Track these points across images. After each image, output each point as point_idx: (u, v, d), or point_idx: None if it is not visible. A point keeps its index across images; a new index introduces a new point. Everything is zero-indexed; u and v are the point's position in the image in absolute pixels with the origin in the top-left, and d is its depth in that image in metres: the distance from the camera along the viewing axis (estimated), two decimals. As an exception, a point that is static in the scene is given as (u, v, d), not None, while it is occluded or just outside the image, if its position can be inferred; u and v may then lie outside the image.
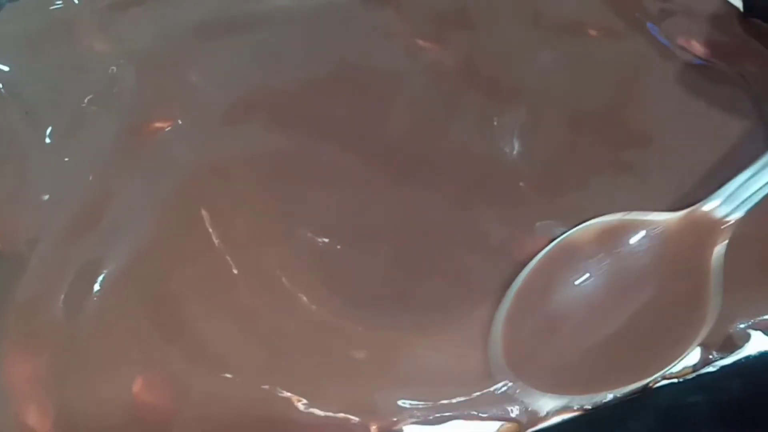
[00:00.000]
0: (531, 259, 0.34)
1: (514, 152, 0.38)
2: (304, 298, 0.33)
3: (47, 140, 0.40)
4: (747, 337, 0.31)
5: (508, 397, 0.30)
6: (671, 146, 0.38)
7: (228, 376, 0.31)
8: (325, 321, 0.32)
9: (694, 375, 0.30)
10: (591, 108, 0.39)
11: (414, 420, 0.30)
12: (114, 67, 0.43)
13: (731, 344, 0.31)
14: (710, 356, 0.31)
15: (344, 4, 0.46)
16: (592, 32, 0.44)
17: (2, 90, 0.42)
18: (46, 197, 0.37)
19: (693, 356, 0.31)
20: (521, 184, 0.37)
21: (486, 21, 0.45)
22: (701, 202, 0.33)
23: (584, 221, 0.35)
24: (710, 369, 0.31)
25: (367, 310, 0.33)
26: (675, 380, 0.30)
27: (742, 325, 0.31)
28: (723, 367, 0.31)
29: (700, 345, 0.31)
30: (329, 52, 0.43)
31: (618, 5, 0.45)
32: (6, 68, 0.44)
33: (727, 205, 0.32)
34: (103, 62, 0.43)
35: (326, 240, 0.35)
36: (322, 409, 0.30)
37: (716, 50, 0.43)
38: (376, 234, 0.35)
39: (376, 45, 0.44)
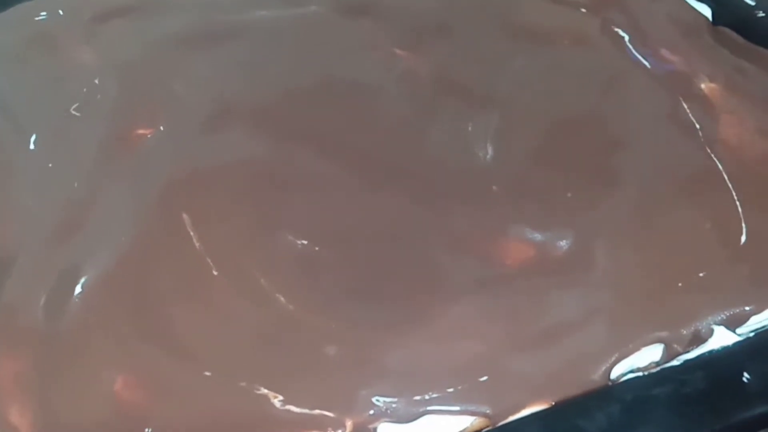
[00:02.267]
0: (502, 260, 0.35)
1: (488, 157, 0.39)
2: (282, 299, 0.34)
3: (31, 147, 0.40)
4: (711, 332, 0.32)
5: (479, 393, 0.31)
6: (643, 152, 0.39)
7: (207, 374, 0.31)
8: (302, 320, 0.33)
9: (658, 369, 0.31)
10: (564, 115, 0.41)
11: (388, 419, 0.30)
12: (97, 77, 0.43)
13: (697, 339, 0.32)
14: (672, 352, 0.32)
15: (323, 15, 0.47)
16: (565, 41, 0.45)
17: (-12, 97, 0.43)
18: (30, 202, 0.38)
19: (656, 352, 0.32)
20: (494, 187, 0.38)
21: (461, 30, 0.46)
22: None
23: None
24: (674, 363, 0.31)
25: (342, 309, 0.33)
26: (640, 374, 0.31)
27: (708, 321, 0.32)
28: (686, 361, 0.31)
29: (663, 342, 0.32)
30: (308, 61, 0.44)
31: (590, 15, 0.46)
32: (-9, 77, 0.45)
33: None
34: (86, 72, 0.44)
35: (304, 242, 0.36)
36: (298, 406, 0.30)
37: (686, 59, 0.44)
38: (352, 236, 0.36)
39: (353, 54, 0.45)
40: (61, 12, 0.48)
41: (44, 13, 0.48)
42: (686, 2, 0.48)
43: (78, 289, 0.34)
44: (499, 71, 0.43)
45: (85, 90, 0.43)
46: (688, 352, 0.32)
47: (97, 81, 0.43)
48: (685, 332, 0.32)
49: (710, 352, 0.32)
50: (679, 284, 0.33)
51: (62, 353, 0.33)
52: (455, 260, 0.35)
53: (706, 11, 0.48)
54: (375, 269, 0.35)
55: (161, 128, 0.41)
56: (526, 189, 0.38)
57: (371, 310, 0.34)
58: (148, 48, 0.45)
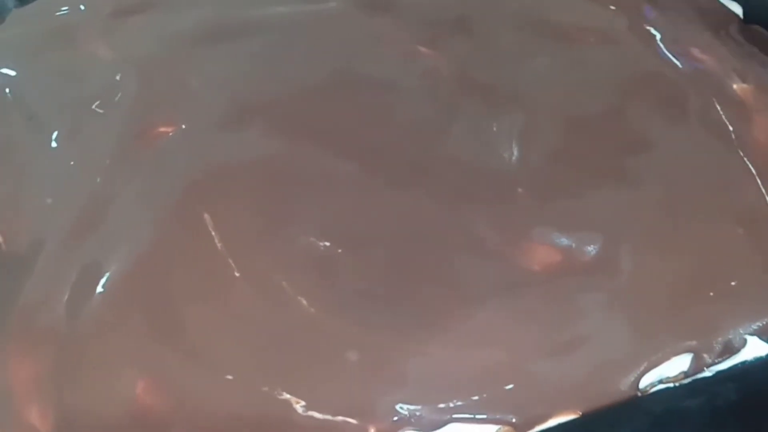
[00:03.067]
0: (527, 264, 0.34)
1: (513, 158, 0.38)
2: (304, 301, 0.33)
3: (52, 144, 0.40)
4: (744, 343, 0.31)
5: (504, 401, 0.30)
6: (669, 153, 0.38)
7: (228, 377, 0.31)
8: (323, 323, 0.33)
9: (689, 380, 0.30)
10: (589, 114, 0.40)
11: (411, 427, 0.30)
12: (117, 74, 0.43)
13: (730, 349, 0.31)
14: (702, 362, 0.31)
15: (342, 11, 0.47)
16: (591, 39, 0.44)
17: (9, 94, 0.43)
18: (50, 200, 0.38)
19: (686, 362, 0.31)
20: (519, 190, 0.37)
21: (483, 27, 0.45)
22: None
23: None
24: (705, 374, 0.31)
25: (364, 313, 0.33)
26: (670, 385, 0.31)
27: (740, 331, 0.32)
28: (718, 372, 0.31)
29: (693, 351, 0.31)
30: (327, 58, 0.44)
31: (617, 12, 0.45)
32: (12, 73, 0.44)
33: None
34: (106, 68, 0.44)
35: (326, 244, 0.35)
36: (320, 412, 0.30)
37: (716, 57, 0.43)
38: (374, 238, 0.36)
39: (373, 51, 0.44)
40: (82, 7, 0.48)
41: (65, 8, 0.48)
42: (717, 0, 0.47)
43: (98, 289, 0.34)
44: (523, 70, 0.42)
45: (105, 87, 0.43)
46: (719, 362, 0.31)
47: (117, 78, 0.43)
48: (716, 342, 0.32)
49: (743, 363, 0.31)
50: (711, 293, 0.33)
51: (82, 354, 0.33)
52: (479, 264, 0.35)
53: (737, 9, 0.47)
54: (397, 272, 0.34)
55: (183, 126, 0.40)
56: (552, 191, 0.37)
57: (393, 314, 0.33)
58: (166, 44, 0.45)
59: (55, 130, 0.41)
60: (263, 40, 0.45)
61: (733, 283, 0.33)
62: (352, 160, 0.38)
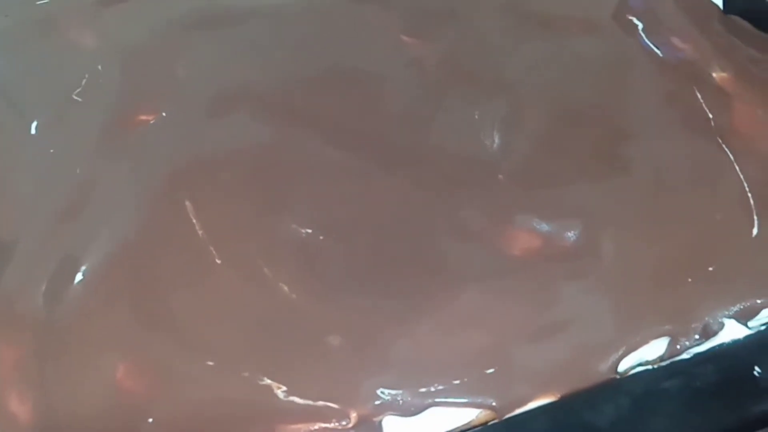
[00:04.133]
0: (509, 249, 0.35)
1: (494, 146, 0.39)
2: (285, 288, 0.33)
3: (33, 132, 0.40)
4: (721, 326, 0.32)
5: (485, 385, 0.30)
6: (653, 142, 0.38)
7: (209, 363, 0.31)
8: (305, 309, 0.33)
9: (668, 362, 0.31)
10: (573, 103, 0.40)
11: (393, 411, 0.30)
12: (100, 62, 0.43)
13: (707, 332, 0.32)
14: (680, 345, 0.32)
15: (330, 1, 0.47)
16: (575, 28, 0.44)
17: (-12, 80, 0.43)
18: (32, 188, 0.38)
19: (665, 345, 0.32)
20: (500, 176, 0.37)
21: (469, 17, 0.45)
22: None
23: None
24: (684, 356, 0.31)
25: (346, 299, 0.33)
26: (649, 367, 0.31)
27: (717, 315, 0.32)
28: (697, 354, 0.31)
29: (671, 335, 0.31)
30: (315, 46, 0.44)
31: (602, 2, 0.45)
32: (-9, 60, 0.44)
33: None
34: (89, 56, 0.43)
35: (308, 230, 0.35)
36: (302, 397, 0.30)
37: (696, 47, 0.43)
38: (356, 225, 0.36)
39: (360, 40, 0.44)
40: (66, -5, 0.48)
41: (48, -4, 0.48)
42: (697, -10, 0.47)
43: (79, 275, 0.34)
44: (507, 58, 0.43)
45: (87, 75, 0.42)
46: (698, 345, 0.31)
47: (99, 66, 0.43)
48: (694, 325, 0.32)
49: (721, 345, 0.31)
50: (689, 279, 0.33)
51: (63, 340, 0.32)
52: (461, 249, 0.35)
53: (717, 0, 0.47)
54: (380, 258, 0.35)
55: (164, 114, 0.40)
56: (534, 178, 0.37)
57: (375, 299, 0.33)
58: (151, 32, 0.45)
59: (36, 119, 0.41)
60: (250, 28, 0.45)
61: (710, 269, 0.33)
62: (337, 148, 0.38)
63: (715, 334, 0.31)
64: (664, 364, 0.30)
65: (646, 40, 0.43)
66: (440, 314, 0.32)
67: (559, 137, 0.39)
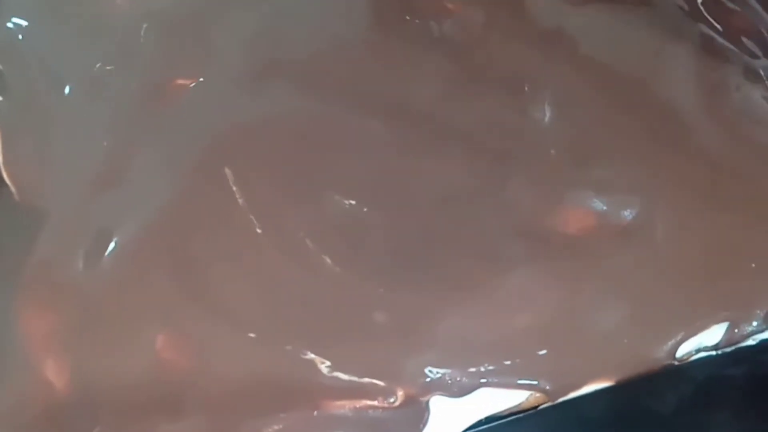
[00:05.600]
0: (561, 228, 0.33)
1: (545, 120, 0.37)
2: (328, 260, 0.32)
3: (70, 97, 0.39)
4: (787, 312, 0.30)
5: (536, 366, 0.29)
6: (714, 119, 0.36)
7: (251, 335, 0.30)
8: (349, 283, 0.32)
9: (732, 348, 0.29)
10: (629, 76, 0.38)
11: (441, 391, 0.29)
12: (136, 25, 0.42)
13: (770, 319, 0.30)
14: (742, 332, 0.30)
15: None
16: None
17: (22, 43, 0.41)
18: (69, 153, 0.37)
19: (726, 331, 0.30)
20: (552, 152, 0.36)
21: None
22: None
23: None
24: (749, 342, 0.30)
25: (391, 275, 0.32)
26: (711, 353, 0.30)
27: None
28: (762, 341, 0.30)
29: (732, 321, 0.30)
30: (357, 14, 0.42)
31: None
32: (25, 23, 0.43)
33: None
34: (124, 20, 0.42)
35: (352, 202, 0.34)
36: (346, 373, 0.29)
37: (756, 27, 0.41)
38: (401, 199, 0.34)
39: (403, 6, 0.42)
40: (98, -44, 0.46)
41: (81, -43, 0.46)
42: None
43: (116, 244, 0.33)
44: (558, 27, 0.41)
45: (123, 39, 0.41)
46: (761, 332, 0.30)
47: (137, 30, 0.41)
48: (756, 312, 0.30)
49: (787, 332, 0.30)
50: (753, 264, 0.31)
51: (101, 309, 0.32)
52: (510, 227, 0.33)
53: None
54: (425, 234, 0.33)
55: (201, 79, 0.39)
56: (587, 154, 0.36)
57: (421, 276, 0.32)
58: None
59: (70, 84, 0.40)
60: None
61: (774, 253, 0.32)
62: (380, 119, 0.37)
63: (780, 320, 0.30)
64: (727, 350, 0.29)
65: (706, 14, 0.41)
66: (489, 293, 0.31)
67: (613, 112, 0.37)
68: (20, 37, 0.41)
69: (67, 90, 0.39)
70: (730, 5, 0.42)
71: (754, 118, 0.37)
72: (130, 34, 0.41)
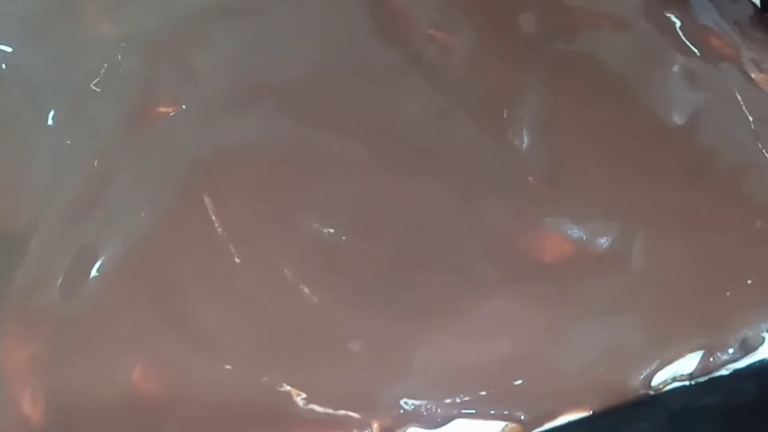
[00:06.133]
0: (538, 255, 0.33)
1: (524, 145, 0.37)
2: (306, 289, 0.32)
3: (50, 122, 0.39)
4: (762, 341, 0.30)
5: (512, 397, 0.29)
6: (690, 143, 0.37)
7: (228, 367, 0.30)
8: (326, 313, 0.32)
9: (706, 378, 0.29)
10: (607, 102, 0.38)
11: (416, 423, 0.29)
12: (119, 51, 0.42)
13: (747, 347, 0.30)
14: (717, 360, 0.30)
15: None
16: (608, 24, 0.43)
17: (5, 70, 0.42)
18: (48, 179, 0.37)
19: (701, 360, 0.30)
20: (530, 178, 0.36)
21: (494, 10, 0.44)
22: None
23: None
24: (723, 372, 0.30)
25: (369, 303, 0.32)
26: (686, 383, 0.30)
27: (758, 329, 0.31)
28: (736, 371, 0.30)
29: (707, 349, 0.30)
30: (337, 38, 0.42)
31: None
32: (9, 49, 0.43)
33: None
34: (107, 45, 0.42)
35: (330, 230, 0.34)
36: (322, 405, 0.29)
37: (735, 47, 0.42)
38: (380, 225, 0.34)
39: (385, 31, 0.43)
40: (83, -20, 0.46)
41: (67, -18, 0.46)
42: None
43: (95, 271, 0.33)
44: (536, 55, 0.41)
45: (106, 64, 0.41)
46: (735, 360, 0.30)
47: (119, 56, 0.41)
48: (732, 339, 0.30)
49: (761, 361, 0.30)
50: (727, 292, 0.31)
51: (78, 338, 0.32)
52: (487, 253, 0.34)
53: (756, -1, 0.45)
54: (403, 260, 0.33)
55: (183, 107, 0.39)
56: (564, 180, 0.36)
57: (399, 303, 0.32)
58: (170, 20, 0.43)
59: (53, 108, 0.40)
60: (273, 17, 0.43)
61: (749, 281, 0.32)
62: (360, 144, 0.37)
63: (754, 349, 0.30)
64: (702, 380, 0.29)
65: (684, 39, 0.41)
66: (465, 321, 0.31)
67: (593, 138, 0.37)
68: (3, 66, 0.41)
69: (49, 115, 0.39)
70: (708, 29, 0.42)
71: (732, 140, 0.38)
72: (113, 60, 0.41)
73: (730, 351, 0.30)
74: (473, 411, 0.29)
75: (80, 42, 0.43)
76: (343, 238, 0.34)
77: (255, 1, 0.44)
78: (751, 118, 0.38)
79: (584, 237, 0.34)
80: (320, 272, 0.33)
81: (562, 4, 0.44)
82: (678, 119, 0.38)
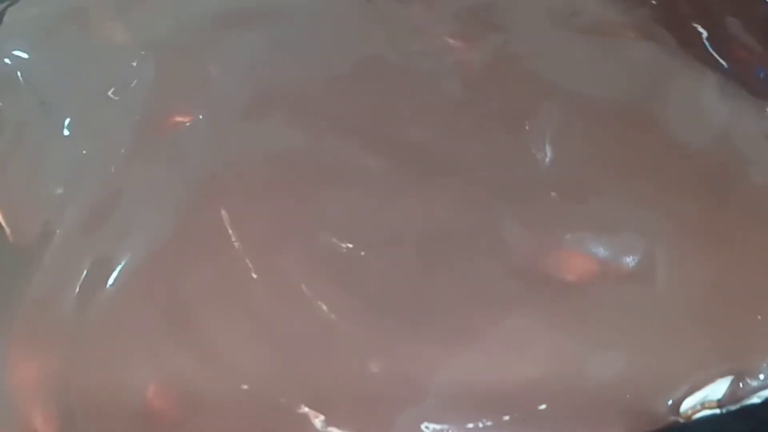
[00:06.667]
0: (560, 273, 0.33)
1: (547, 159, 0.36)
2: (324, 307, 0.31)
3: (64, 131, 0.39)
4: (795, 366, 0.29)
5: (536, 421, 0.28)
6: (717, 159, 0.36)
7: (244, 387, 0.29)
8: (345, 331, 0.31)
9: (737, 406, 0.29)
10: (632, 115, 0.37)
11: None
12: (134, 58, 0.41)
13: (778, 373, 0.29)
14: (748, 387, 0.29)
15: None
16: (631, 34, 0.42)
17: (20, 77, 0.41)
18: (61, 190, 0.36)
19: (731, 386, 0.29)
20: (553, 194, 0.35)
21: (518, 19, 0.43)
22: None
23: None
24: (754, 400, 0.29)
25: (387, 321, 0.31)
26: (716, 410, 0.29)
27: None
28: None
29: (738, 375, 0.29)
30: (354, 46, 0.42)
31: (663, 8, 0.43)
32: (25, 55, 0.43)
33: None
34: (122, 53, 0.42)
35: (349, 245, 0.33)
36: (340, 428, 0.28)
37: (761, 60, 0.41)
38: (398, 240, 0.34)
39: (402, 41, 0.42)
40: (95, -15, 0.46)
41: (77, -13, 0.46)
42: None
43: (109, 286, 0.32)
44: (559, 65, 0.40)
45: (120, 73, 0.41)
46: (766, 387, 0.29)
47: (134, 63, 0.41)
48: (762, 366, 0.30)
49: (796, 388, 0.29)
50: (758, 315, 0.31)
51: (91, 354, 0.31)
52: (508, 271, 0.33)
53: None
54: (423, 277, 0.33)
55: (200, 117, 0.38)
56: (589, 196, 0.35)
57: (419, 322, 0.31)
58: (185, 28, 0.43)
59: (67, 117, 0.39)
60: (288, 25, 0.43)
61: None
62: (378, 156, 0.36)
63: (788, 375, 0.29)
64: (732, 408, 0.28)
65: (711, 51, 0.40)
66: (485, 342, 0.30)
67: (618, 153, 0.36)
68: (18, 73, 0.41)
69: (64, 124, 0.39)
70: (736, 40, 0.42)
71: (759, 157, 0.37)
72: (129, 67, 0.41)
73: (761, 377, 0.29)
74: (496, 437, 0.28)
75: (95, 49, 0.42)
76: (362, 253, 0.33)
77: (270, 8, 0.44)
78: (778, 136, 0.37)
79: (609, 255, 0.33)
80: (338, 288, 0.32)
81: (582, 14, 0.43)
82: (704, 134, 0.37)
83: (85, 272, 0.33)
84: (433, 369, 0.30)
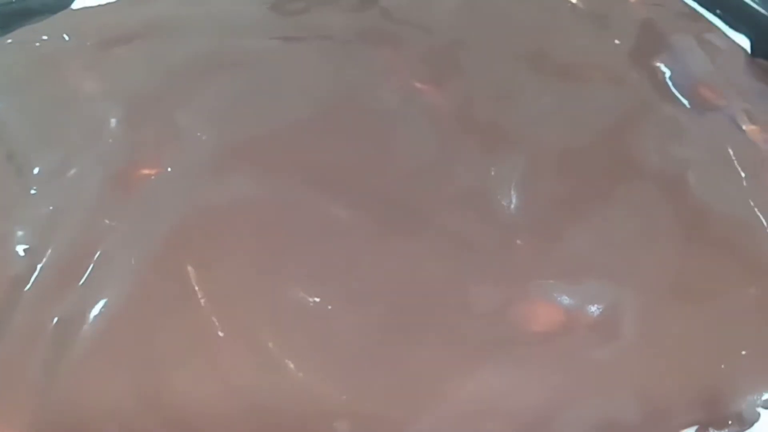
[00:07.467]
0: (529, 323, 0.33)
1: (512, 206, 0.37)
2: (291, 365, 0.31)
3: (32, 188, 0.38)
4: (757, 416, 0.30)
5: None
6: (681, 204, 0.36)
7: (212, 453, 0.29)
8: (312, 389, 0.31)
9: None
10: (598, 159, 0.38)
11: None
12: (102, 109, 0.41)
13: (741, 422, 0.30)
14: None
15: (339, 43, 0.45)
16: (598, 76, 0.42)
17: (-8, 128, 0.41)
18: (28, 248, 0.36)
19: (693, 435, 0.30)
20: (518, 241, 0.35)
21: (485, 63, 0.43)
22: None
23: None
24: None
25: (356, 378, 0.31)
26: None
27: (752, 403, 0.30)
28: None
29: (702, 424, 0.30)
30: (323, 92, 0.42)
31: (622, 47, 0.43)
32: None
33: None
34: (90, 103, 0.42)
35: (316, 299, 0.33)
36: (308, 500, 0.28)
37: (725, 96, 0.41)
38: (367, 294, 0.34)
39: (370, 86, 0.42)
40: (66, 37, 0.46)
41: (46, 37, 0.46)
42: (722, 33, 0.45)
43: (76, 349, 0.32)
44: (523, 109, 0.41)
45: (89, 124, 0.41)
46: (729, 437, 0.29)
47: (101, 115, 0.41)
48: (726, 415, 0.30)
49: (756, 439, 0.29)
50: (722, 365, 0.31)
51: (60, 421, 0.31)
52: (476, 324, 0.33)
53: (744, 42, 0.45)
54: (390, 333, 0.33)
55: (168, 169, 0.38)
56: (554, 244, 0.35)
57: (386, 378, 0.31)
58: (154, 78, 0.43)
59: (35, 169, 0.39)
60: (257, 73, 0.43)
61: (743, 352, 0.31)
62: (347, 207, 0.37)
63: (750, 424, 0.29)
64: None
65: (674, 90, 0.41)
66: (455, 399, 0.30)
67: (583, 198, 0.37)
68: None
69: (29, 178, 0.39)
70: (698, 79, 0.42)
71: (725, 198, 0.37)
72: (98, 118, 0.41)
73: (726, 427, 0.29)
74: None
75: (63, 99, 0.42)
76: (329, 308, 0.33)
77: (237, 55, 0.44)
78: (743, 174, 0.37)
79: (574, 303, 0.33)
80: (305, 346, 0.32)
81: (549, 55, 0.43)
82: (671, 175, 0.38)
83: (52, 333, 0.33)
84: (402, 429, 0.30)
